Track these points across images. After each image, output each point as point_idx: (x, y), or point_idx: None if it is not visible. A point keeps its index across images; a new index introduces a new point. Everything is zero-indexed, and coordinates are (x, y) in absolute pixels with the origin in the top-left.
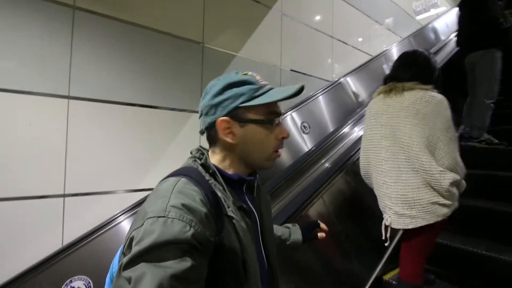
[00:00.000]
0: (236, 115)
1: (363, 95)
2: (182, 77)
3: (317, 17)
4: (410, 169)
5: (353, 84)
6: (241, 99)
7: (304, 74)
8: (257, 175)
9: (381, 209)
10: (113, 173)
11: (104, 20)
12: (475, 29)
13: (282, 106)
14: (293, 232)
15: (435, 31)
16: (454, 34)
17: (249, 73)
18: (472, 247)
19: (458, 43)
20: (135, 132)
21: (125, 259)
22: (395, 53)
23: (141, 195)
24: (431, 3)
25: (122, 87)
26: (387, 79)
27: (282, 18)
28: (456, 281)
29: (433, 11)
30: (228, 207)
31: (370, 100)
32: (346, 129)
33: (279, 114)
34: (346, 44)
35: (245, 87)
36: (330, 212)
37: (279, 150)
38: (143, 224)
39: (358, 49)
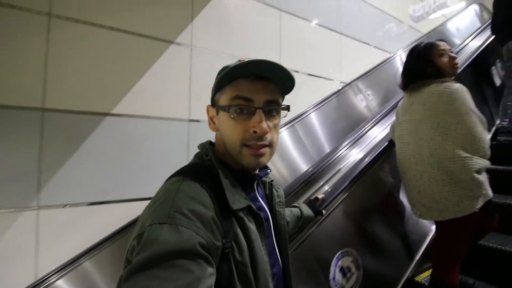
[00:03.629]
0: (214, 101)
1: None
2: (6, 160)
3: (255, 40)
4: (434, 161)
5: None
6: (215, 84)
7: None
8: (269, 170)
9: (409, 202)
10: None
11: None
12: None
13: None
14: (304, 209)
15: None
16: (471, 38)
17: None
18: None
19: (493, 28)
20: None
21: (125, 272)
22: (379, 76)
23: None
24: (436, 4)
25: None
26: (402, 83)
27: (192, 53)
28: (498, 283)
29: (439, 13)
30: (236, 207)
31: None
32: None
33: (247, 99)
34: (306, 74)
35: (225, 70)
36: (359, 209)
37: (267, 148)
38: (144, 231)
39: (324, 78)
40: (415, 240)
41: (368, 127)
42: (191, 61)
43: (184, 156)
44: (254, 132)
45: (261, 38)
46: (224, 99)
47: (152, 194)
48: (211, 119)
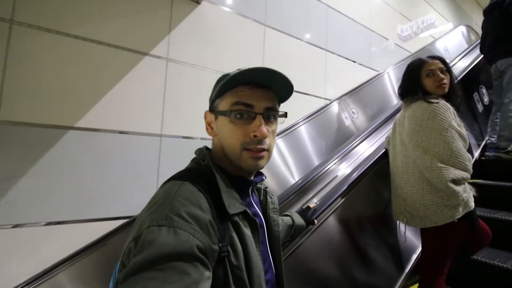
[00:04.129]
0: (213, 107)
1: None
2: None
3: (236, 55)
4: (416, 171)
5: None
6: (216, 90)
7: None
8: (264, 177)
9: (396, 209)
10: None
11: None
12: (504, 35)
13: None
14: (296, 218)
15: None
16: (459, 58)
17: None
18: (500, 262)
19: (482, 49)
20: None
21: (122, 274)
22: (365, 93)
23: None
24: (424, 24)
25: None
26: (399, 96)
27: (167, 66)
28: None
29: (427, 34)
30: (232, 212)
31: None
32: None
33: (247, 105)
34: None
35: (226, 78)
36: (348, 221)
37: (265, 151)
38: (141, 233)
39: (308, 94)
40: (405, 252)
41: (355, 144)
42: (167, 74)
43: (154, 173)
44: (255, 136)
45: (243, 53)
46: (224, 104)
47: (118, 213)
48: (208, 125)
